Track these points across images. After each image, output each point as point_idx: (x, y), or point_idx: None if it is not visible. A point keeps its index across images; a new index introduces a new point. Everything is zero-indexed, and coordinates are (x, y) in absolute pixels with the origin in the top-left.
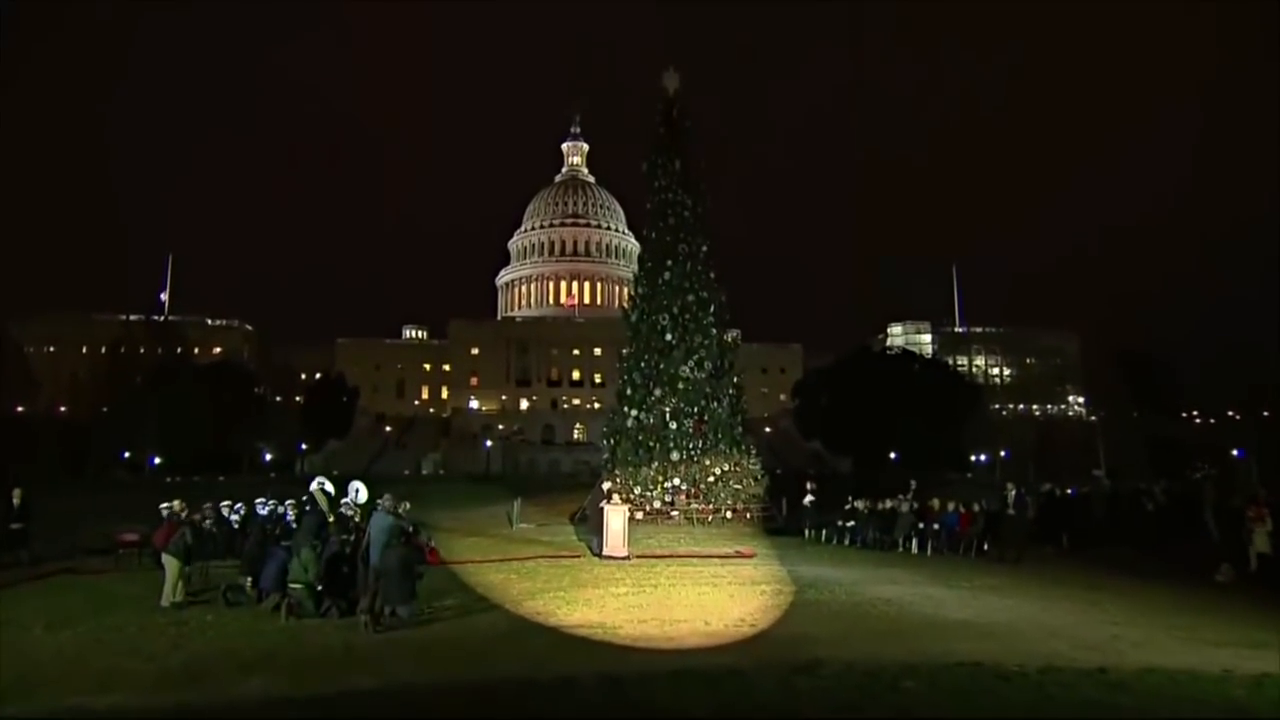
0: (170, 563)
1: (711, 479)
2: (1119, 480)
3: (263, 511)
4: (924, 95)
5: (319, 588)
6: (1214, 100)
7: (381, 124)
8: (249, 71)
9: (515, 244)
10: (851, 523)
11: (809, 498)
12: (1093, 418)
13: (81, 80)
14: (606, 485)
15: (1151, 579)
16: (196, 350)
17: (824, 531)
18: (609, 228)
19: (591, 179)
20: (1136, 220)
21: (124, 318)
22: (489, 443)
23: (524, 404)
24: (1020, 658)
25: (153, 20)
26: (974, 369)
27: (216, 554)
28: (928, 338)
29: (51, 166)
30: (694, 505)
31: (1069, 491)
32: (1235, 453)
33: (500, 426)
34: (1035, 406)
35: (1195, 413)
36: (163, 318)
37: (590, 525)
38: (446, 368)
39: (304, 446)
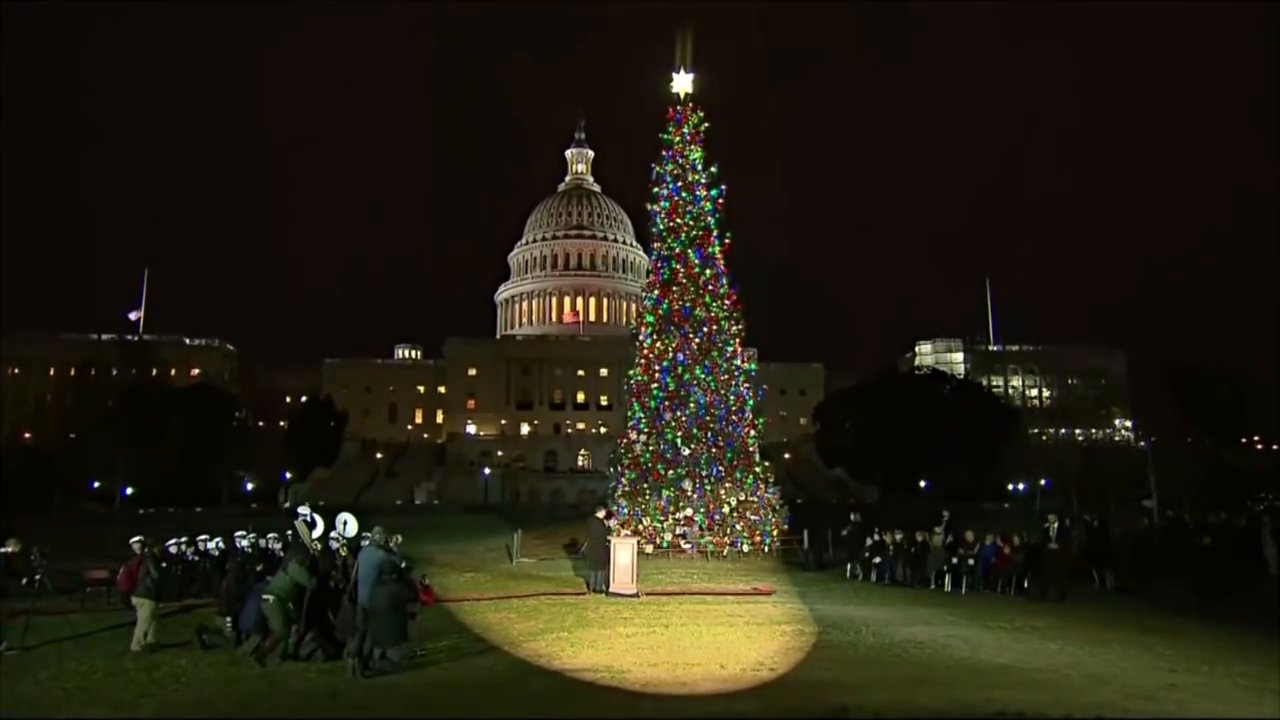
0: (143, 604)
1: (726, 510)
2: (1178, 511)
3: (242, 545)
4: (947, 107)
5: (294, 609)
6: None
7: (372, 130)
8: (231, 76)
9: (516, 257)
10: (878, 558)
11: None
12: (1142, 443)
13: (50, 85)
14: (600, 514)
15: (1211, 621)
16: (173, 372)
17: (849, 567)
18: (616, 240)
19: (597, 188)
20: (1184, 228)
21: (95, 337)
22: (487, 471)
23: (525, 429)
24: (1066, 708)
25: (127, 23)
26: (1010, 390)
27: (191, 591)
28: (959, 356)
29: (17, 174)
30: (708, 538)
31: (1096, 522)
32: None
33: (499, 453)
34: (1078, 431)
35: (1257, 438)
36: (137, 337)
37: (593, 559)
38: (442, 390)
39: (288, 475)
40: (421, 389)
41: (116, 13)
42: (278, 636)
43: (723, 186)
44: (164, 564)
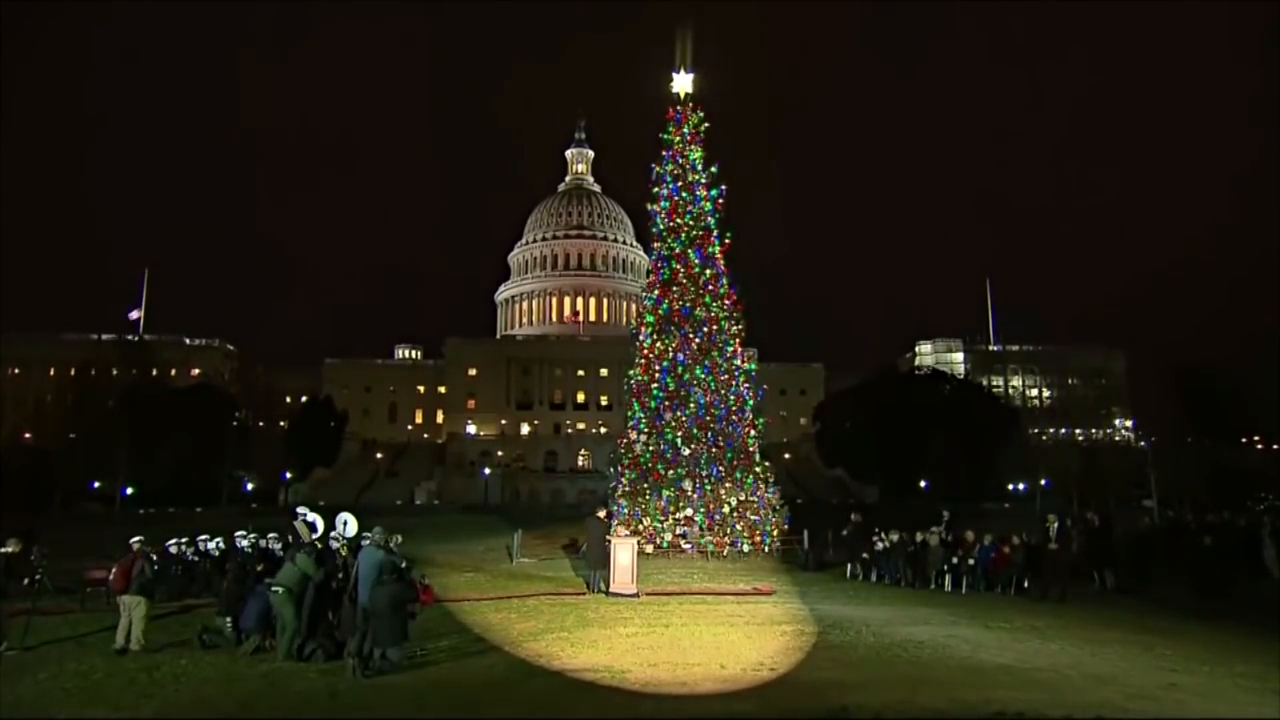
0: (139, 603)
1: (727, 510)
2: (1178, 511)
3: (243, 545)
4: (949, 105)
5: (301, 604)
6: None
7: (373, 131)
8: (233, 77)
9: (516, 257)
10: (878, 557)
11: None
12: (1142, 443)
13: (52, 84)
14: (600, 514)
15: (1211, 621)
16: (173, 372)
17: (849, 567)
18: (616, 240)
19: (597, 188)
20: (1185, 229)
21: (95, 337)
22: (487, 471)
23: (525, 429)
24: (1066, 708)
25: (131, 22)
26: (1010, 390)
27: (191, 591)
28: (959, 356)
29: (18, 174)
30: (708, 538)
31: (1096, 522)
32: None
33: (499, 453)
34: (1078, 431)
35: (1257, 438)
36: (137, 337)
37: (592, 559)
38: (442, 390)
39: (288, 475)
40: (421, 389)
41: (119, 12)
42: (289, 627)
43: (723, 186)
44: (157, 566)
